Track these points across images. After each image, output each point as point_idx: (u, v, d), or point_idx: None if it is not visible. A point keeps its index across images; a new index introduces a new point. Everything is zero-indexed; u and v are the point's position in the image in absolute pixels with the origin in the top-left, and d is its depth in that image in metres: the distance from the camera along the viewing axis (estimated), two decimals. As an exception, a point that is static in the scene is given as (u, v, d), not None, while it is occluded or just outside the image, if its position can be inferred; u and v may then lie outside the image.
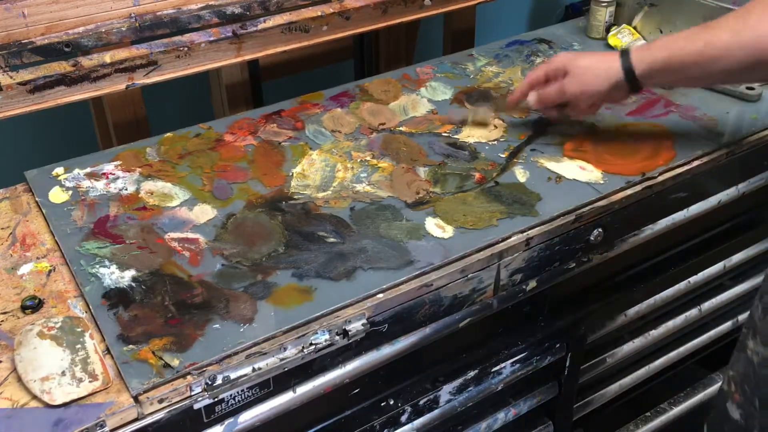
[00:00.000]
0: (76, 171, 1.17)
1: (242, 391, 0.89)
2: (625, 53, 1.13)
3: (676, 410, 1.57)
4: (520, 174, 1.17)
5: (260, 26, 1.36)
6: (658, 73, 1.11)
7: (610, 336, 1.35)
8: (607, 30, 1.55)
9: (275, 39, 1.39)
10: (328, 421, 1.04)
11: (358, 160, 1.21)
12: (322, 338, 0.91)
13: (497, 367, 1.17)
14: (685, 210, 1.25)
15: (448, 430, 1.19)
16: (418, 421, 1.11)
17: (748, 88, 1.33)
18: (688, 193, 1.23)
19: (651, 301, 1.35)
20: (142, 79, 1.29)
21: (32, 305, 0.93)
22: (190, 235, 1.05)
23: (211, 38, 1.32)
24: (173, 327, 0.90)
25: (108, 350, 0.87)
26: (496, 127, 1.28)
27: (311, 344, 0.90)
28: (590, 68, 1.15)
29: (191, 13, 1.31)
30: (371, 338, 0.97)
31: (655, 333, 1.41)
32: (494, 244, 1.04)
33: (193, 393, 0.84)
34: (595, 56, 1.19)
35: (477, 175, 1.17)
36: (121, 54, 1.26)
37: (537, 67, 1.24)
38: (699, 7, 1.40)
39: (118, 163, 1.19)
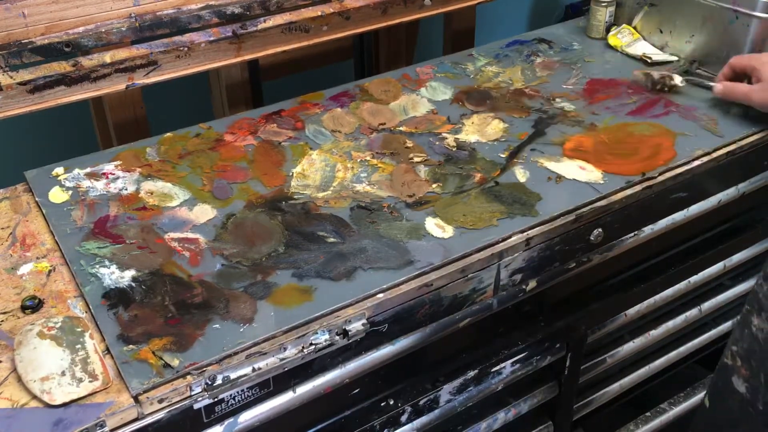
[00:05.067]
0: (76, 171, 1.17)
1: (242, 391, 0.89)
2: None
3: (676, 410, 1.57)
4: (520, 174, 1.17)
5: (260, 26, 1.36)
6: None
7: (610, 336, 1.35)
8: (607, 30, 1.55)
9: (275, 39, 1.39)
10: (328, 421, 1.04)
11: (358, 160, 1.21)
12: (322, 338, 0.91)
13: (497, 367, 1.17)
14: (685, 210, 1.25)
15: (448, 430, 1.19)
16: (418, 421, 1.11)
17: None
18: (688, 193, 1.23)
19: (651, 301, 1.35)
20: (142, 79, 1.29)
21: (32, 305, 0.93)
22: (190, 235, 1.05)
23: (211, 38, 1.32)
24: (173, 327, 0.90)
25: (108, 350, 0.87)
26: None
27: (311, 344, 0.90)
28: None
29: (191, 13, 1.31)
30: (371, 338, 0.97)
31: (655, 333, 1.41)
32: (494, 244, 1.04)
33: (193, 393, 0.84)
34: None
35: (477, 175, 1.17)
36: (121, 54, 1.26)
37: (745, 55, 1.30)
38: (699, 7, 1.41)
39: (118, 163, 1.19)
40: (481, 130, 1.28)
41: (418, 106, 1.35)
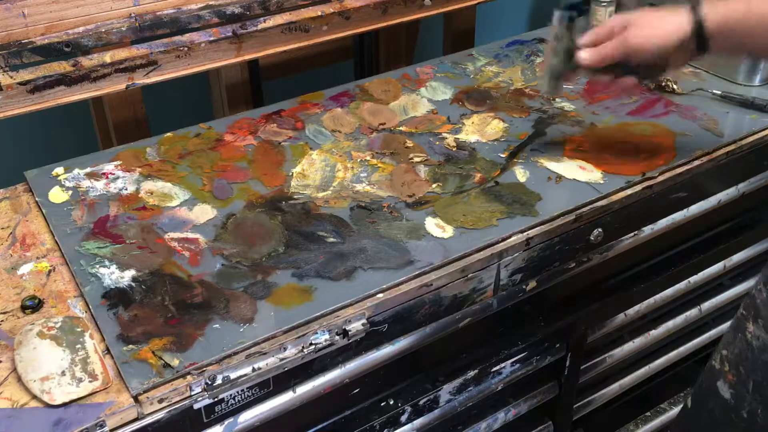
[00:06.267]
0: (76, 171, 1.17)
1: (242, 391, 0.89)
2: (694, 7, 1.00)
3: (676, 410, 1.57)
4: (520, 174, 1.17)
5: (260, 26, 1.36)
6: (731, 31, 0.98)
7: (610, 336, 1.35)
8: (607, 30, 1.55)
9: (275, 39, 1.39)
10: (328, 421, 1.04)
11: (358, 160, 1.21)
12: (322, 338, 0.91)
13: (497, 367, 1.17)
14: (685, 210, 1.25)
15: (448, 430, 1.19)
16: (418, 421, 1.11)
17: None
18: (688, 193, 1.23)
19: (651, 301, 1.35)
20: (142, 79, 1.29)
21: (32, 305, 0.93)
22: (190, 235, 1.05)
23: (211, 38, 1.32)
24: (173, 327, 0.90)
25: (108, 350, 0.87)
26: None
27: (311, 344, 0.90)
28: (656, 19, 1.03)
29: (191, 13, 1.31)
30: (371, 338, 0.97)
31: (655, 333, 1.41)
32: (494, 243, 1.04)
33: (193, 393, 0.84)
34: (659, 11, 1.05)
35: (477, 175, 1.17)
36: (121, 54, 1.26)
37: (590, 31, 1.10)
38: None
39: (118, 163, 1.19)
40: (481, 130, 1.28)
41: (418, 106, 1.35)
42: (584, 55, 1.07)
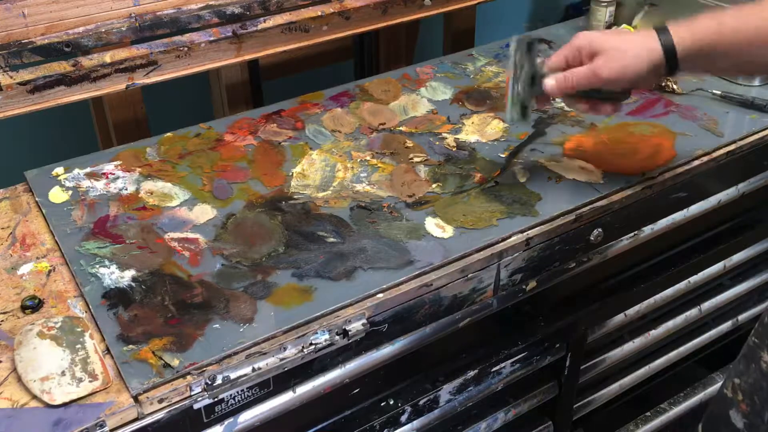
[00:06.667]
0: (76, 171, 1.17)
1: (242, 391, 0.89)
2: (663, 31, 0.98)
3: (676, 410, 1.57)
4: (520, 174, 1.17)
5: (260, 26, 1.36)
6: (702, 57, 0.97)
7: (610, 336, 1.35)
8: (608, 30, 1.55)
9: (275, 39, 1.39)
10: (328, 421, 1.04)
11: (358, 160, 1.21)
12: (322, 338, 0.91)
13: (497, 367, 1.17)
14: (685, 210, 1.25)
15: (448, 430, 1.19)
16: (418, 421, 1.11)
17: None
18: (688, 193, 1.23)
19: (651, 301, 1.35)
20: (142, 79, 1.29)
21: (32, 305, 0.93)
22: (190, 235, 1.05)
23: (211, 38, 1.32)
24: (173, 327, 0.90)
25: (108, 350, 0.87)
26: None
27: (311, 344, 0.90)
28: (627, 48, 0.98)
29: (191, 13, 1.31)
30: (371, 338, 0.97)
31: (655, 333, 1.41)
32: (494, 244, 1.04)
33: (193, 393, 0.84)
34: (626, 35, 1.02)
35: (477, 175, 1.17)
36: (121, 54, 1.26)
37: (556, 52, 1.05)
38: (699, 8, 1.40)
39: (118, 163, 1.19)
40: (481, 130, 1.28)
41: (418, 106, 1.35)
42: (551, 83, 1.04)
